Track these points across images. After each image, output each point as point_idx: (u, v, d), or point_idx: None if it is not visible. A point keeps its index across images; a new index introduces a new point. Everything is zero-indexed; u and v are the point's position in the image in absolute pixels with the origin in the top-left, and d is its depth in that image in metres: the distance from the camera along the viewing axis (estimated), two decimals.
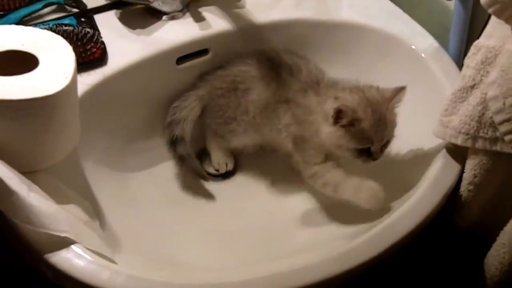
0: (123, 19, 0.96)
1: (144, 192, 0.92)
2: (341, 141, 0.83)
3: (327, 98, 0.85)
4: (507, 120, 0.70)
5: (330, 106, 0.83)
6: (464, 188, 0.83)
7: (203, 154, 1.00)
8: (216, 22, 0.98)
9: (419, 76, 0.94)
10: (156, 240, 0.85)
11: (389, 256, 0.74)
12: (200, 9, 0.99)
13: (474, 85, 0.78)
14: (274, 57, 0.93)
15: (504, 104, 0.69)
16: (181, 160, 0.94)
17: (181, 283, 0.70)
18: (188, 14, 0.99)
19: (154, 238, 0.85)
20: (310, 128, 0.87)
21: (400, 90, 0.84)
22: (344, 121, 0.81)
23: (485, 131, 0.76)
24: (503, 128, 0.71)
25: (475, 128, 0.77)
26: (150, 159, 0.97)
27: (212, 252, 0.85)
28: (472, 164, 0.81)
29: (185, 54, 0.96)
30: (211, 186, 0.96)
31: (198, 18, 0.98)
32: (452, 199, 0.82)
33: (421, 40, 0.98)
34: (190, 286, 0.70)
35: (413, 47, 0.97)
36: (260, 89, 0.91)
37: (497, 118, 0.71)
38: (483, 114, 0.76)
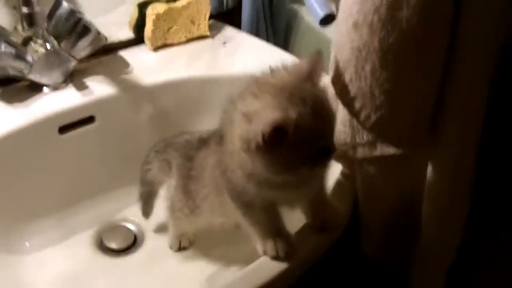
0: (3, 97, 0.93)
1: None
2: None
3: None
4: None
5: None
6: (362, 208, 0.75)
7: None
8: (101, 89, 0.95)
9: None
10: None
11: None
12: (85, 79, 0.96)
13: None
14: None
15: None
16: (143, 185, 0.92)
17: None
18: (71, 84, 0.96)
19: None
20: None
21: (317, 57, 0.64)
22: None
23: (361, 135, 0.68)
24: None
25: (350, 135, 0.69)
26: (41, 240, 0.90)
27: None
28: (361, 177, 0.73)
29: (70, 123, 0.92)
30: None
31: (82, 87, 0.95)
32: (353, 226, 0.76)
33: None
34: None
35: None
36: None
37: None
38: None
